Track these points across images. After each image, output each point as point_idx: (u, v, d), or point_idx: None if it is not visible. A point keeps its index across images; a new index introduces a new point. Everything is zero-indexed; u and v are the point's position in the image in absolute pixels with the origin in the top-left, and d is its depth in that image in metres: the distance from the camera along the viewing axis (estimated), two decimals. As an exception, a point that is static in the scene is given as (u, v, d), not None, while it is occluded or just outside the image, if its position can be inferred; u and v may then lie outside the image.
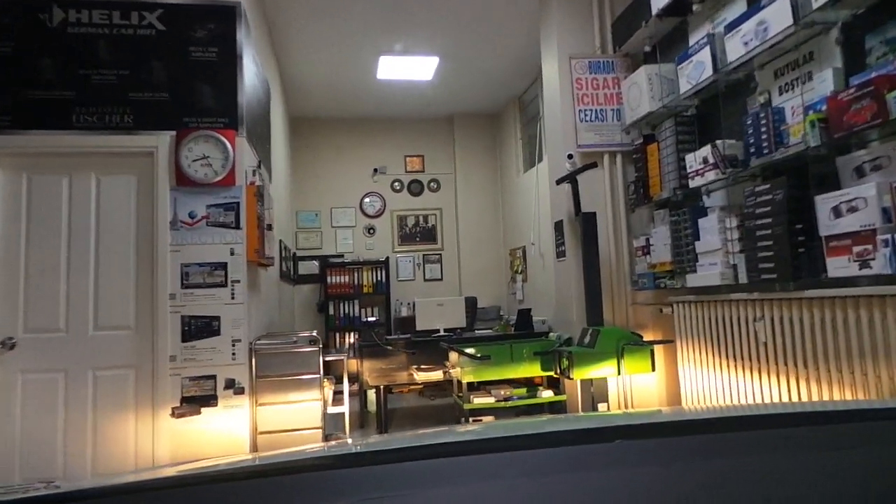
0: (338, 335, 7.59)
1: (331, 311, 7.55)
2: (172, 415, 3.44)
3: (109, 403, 3.41)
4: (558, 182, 4.32)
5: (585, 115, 4.44)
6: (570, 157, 4.35)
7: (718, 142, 3.23)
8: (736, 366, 3.23)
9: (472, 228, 8.06)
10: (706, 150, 3.27)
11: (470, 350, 4.17)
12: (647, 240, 4.10)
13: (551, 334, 4.84)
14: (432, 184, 8.17)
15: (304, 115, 7.78)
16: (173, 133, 3.52)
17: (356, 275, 7.63)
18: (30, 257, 3.44)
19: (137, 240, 3.53)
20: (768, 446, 0.71)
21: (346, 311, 7.65)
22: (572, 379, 3.73)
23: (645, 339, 3.89)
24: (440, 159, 8.20)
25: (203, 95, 3.59)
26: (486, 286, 7.95)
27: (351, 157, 8.00)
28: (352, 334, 7.60)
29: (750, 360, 3.12)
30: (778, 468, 0.65)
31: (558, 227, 4.57)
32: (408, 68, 6.40)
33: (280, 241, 5.88)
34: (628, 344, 3.63)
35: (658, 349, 3.85)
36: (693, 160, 3.42)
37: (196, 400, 3.48)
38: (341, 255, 7.88)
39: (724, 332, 3.29)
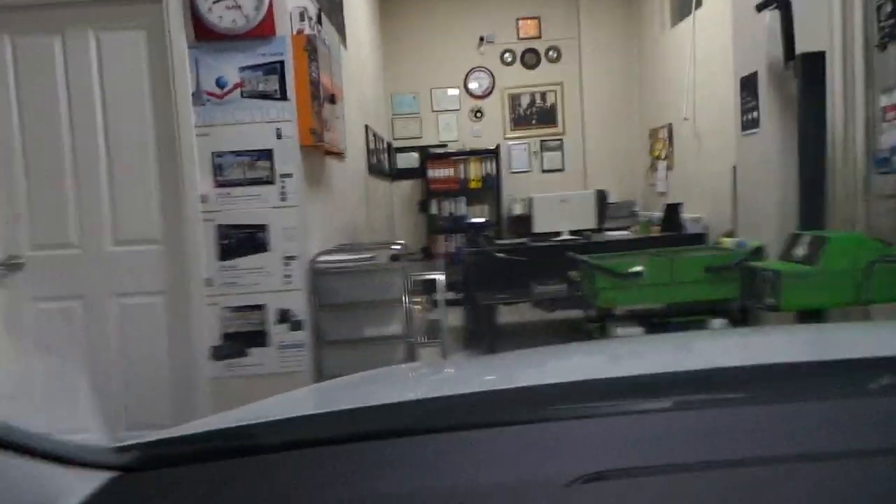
0: (443, 238, 6.62)
1: (433, 211, 6.55)
2: (213, 356, 2.61)
3: (137, 340, 2.62)
4: (759, 7, 2.83)
5: None
6: (773, -28, 2.82)
7: None
8: None
9: (600, 105, 6.56)
10: None
11: (611, 263, 2.99)
12: (907, 94, 2.61)
13: (724, 240, 3.52)
14: (551, 52, 6.67)
15: (395, -25, 6.44)
16: (183, -37, 2.44)
17: (462, 167, 6.50)
18: (26, 149, 2.60)
19: (156, 120, 2.57)
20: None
21: (452, 209, 6.61)
22: (779, 311, 2.47)
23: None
24: (560, 21, 6.62)
25: None
26: (617, 177, 6.53)
27: (452, 25, 6.63)
28: (458, 237, 6.60)
29: None
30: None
31: (748, 84, 3.11)
32: None
33: (367, 127, 4.83)
34: (882, 259, 2.29)
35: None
36: None
37: (240, 337, 2.61)
38: (444, 145, 6.75)
39: None
